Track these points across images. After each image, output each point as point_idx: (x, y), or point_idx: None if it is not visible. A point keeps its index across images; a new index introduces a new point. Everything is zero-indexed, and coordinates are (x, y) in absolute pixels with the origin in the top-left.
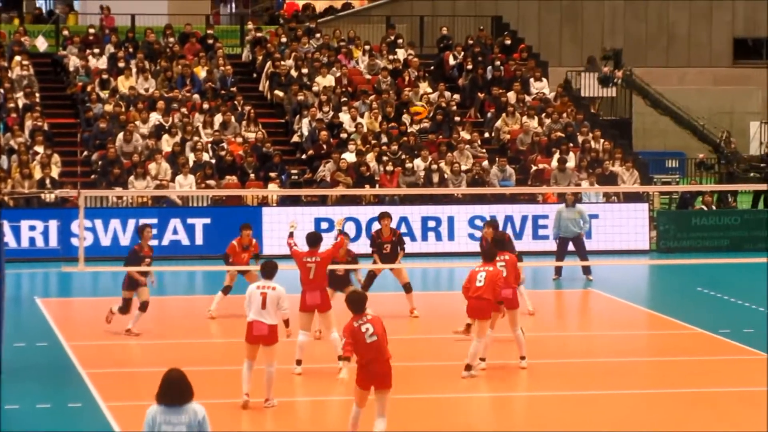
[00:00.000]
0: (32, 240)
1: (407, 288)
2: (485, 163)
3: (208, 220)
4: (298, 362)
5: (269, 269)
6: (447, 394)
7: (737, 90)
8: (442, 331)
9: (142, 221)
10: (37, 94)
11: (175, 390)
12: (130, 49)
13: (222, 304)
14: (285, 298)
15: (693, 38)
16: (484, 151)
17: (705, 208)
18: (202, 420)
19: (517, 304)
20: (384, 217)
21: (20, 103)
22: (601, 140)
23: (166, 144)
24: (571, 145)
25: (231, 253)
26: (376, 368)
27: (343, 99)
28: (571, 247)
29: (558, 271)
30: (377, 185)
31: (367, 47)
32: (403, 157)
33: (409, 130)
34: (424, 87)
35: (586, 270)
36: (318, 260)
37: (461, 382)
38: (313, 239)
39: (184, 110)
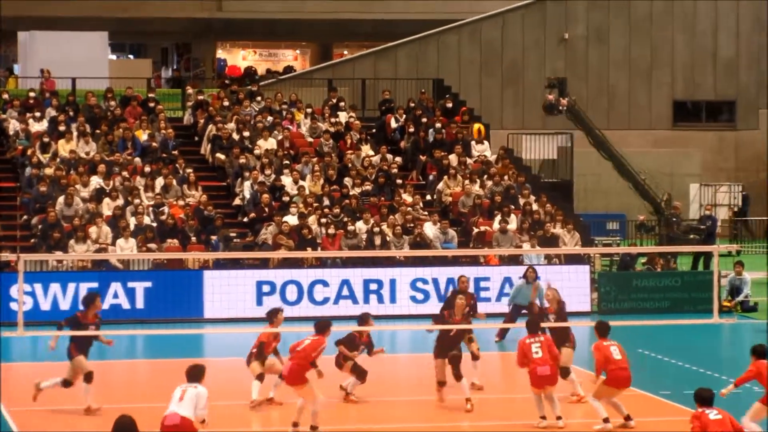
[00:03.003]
0: None
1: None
2: (427, 225)
3: (149, 284)
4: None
5: (195, 373)
6: None
7: (677, 152)
8: (381, 394)
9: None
10: None
11: None
12: (71, 113)
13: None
14: (204, 399)
15: (633, 101)
16: (426, 213)
17: (652, 268)
18: None
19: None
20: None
21: None
22: (543, 202)
23: (107, 207)
24: (513, 207)
25: (266, 341)
26: None
27: (285, 162)
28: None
29: (502, 333)
30: (319, 248)
31: (309, 110)
32: (345, 219)
33: (350, 193)
34: (366, 149)
35: None
36: None
37: None
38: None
39: (125, 174)
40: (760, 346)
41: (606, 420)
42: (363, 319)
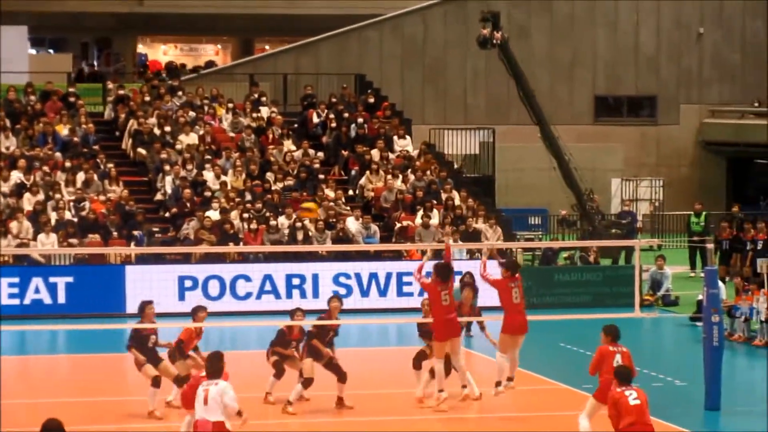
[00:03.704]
0: None
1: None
2: (349, 219)
3: (70, 279)
4: None
5: (214, 369)
6: None
7: (599, 147)
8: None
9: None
10: None
11: None
12: None
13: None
14: (229, 391)
15: (555, 96)
16: (348, 208)
17: (587, 258)
18: None
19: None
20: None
21: None
22: (465, 197)
23: (28, 202)
24: (435, 202)
25: (186, 339)
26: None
27: (207, 157)
28: None
29: None
30: (241, 243)
31: (230, 105)
32: (267, 214)
33: (273, 188)
34: (288, 145)
35: (468, 327)
36: None
37: None
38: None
39: (45, 168)
40: (610, 327)
41: (500, 382)
42: (292, 314)
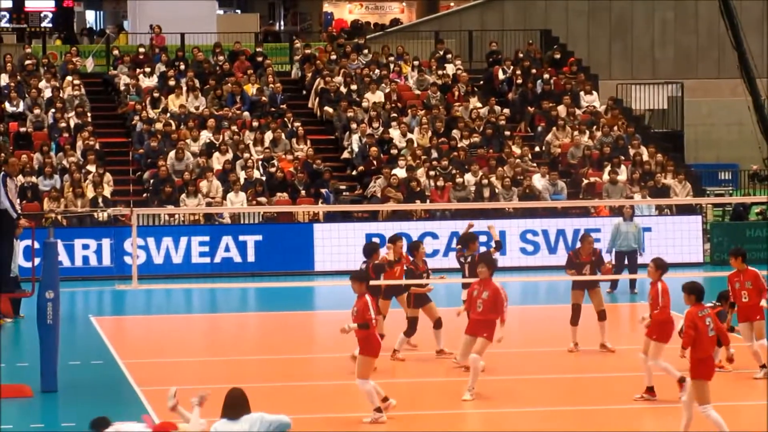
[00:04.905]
0: (86, 258)
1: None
2: (536, 176)
3: (259, 237)
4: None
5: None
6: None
7: None
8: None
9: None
10: (89, 114)
11: (235, 405)
12: (180, 68)
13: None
14: None
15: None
16: (535, 165)
17: None
18: (260, 418)
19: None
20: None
21: (72, 123)
22: (653, 153)
23: (217, 162)
24: (623, 158)
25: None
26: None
27: (393, 115)
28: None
29: (614, 284)
30: (428, 200)
31: (416, 62)
32: (454, 171)
33: (459, 145)
34: (473, 102)
35: (633, 285)
36: None
37: None
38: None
39: (234, 128)
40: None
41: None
42: (414, 247)
